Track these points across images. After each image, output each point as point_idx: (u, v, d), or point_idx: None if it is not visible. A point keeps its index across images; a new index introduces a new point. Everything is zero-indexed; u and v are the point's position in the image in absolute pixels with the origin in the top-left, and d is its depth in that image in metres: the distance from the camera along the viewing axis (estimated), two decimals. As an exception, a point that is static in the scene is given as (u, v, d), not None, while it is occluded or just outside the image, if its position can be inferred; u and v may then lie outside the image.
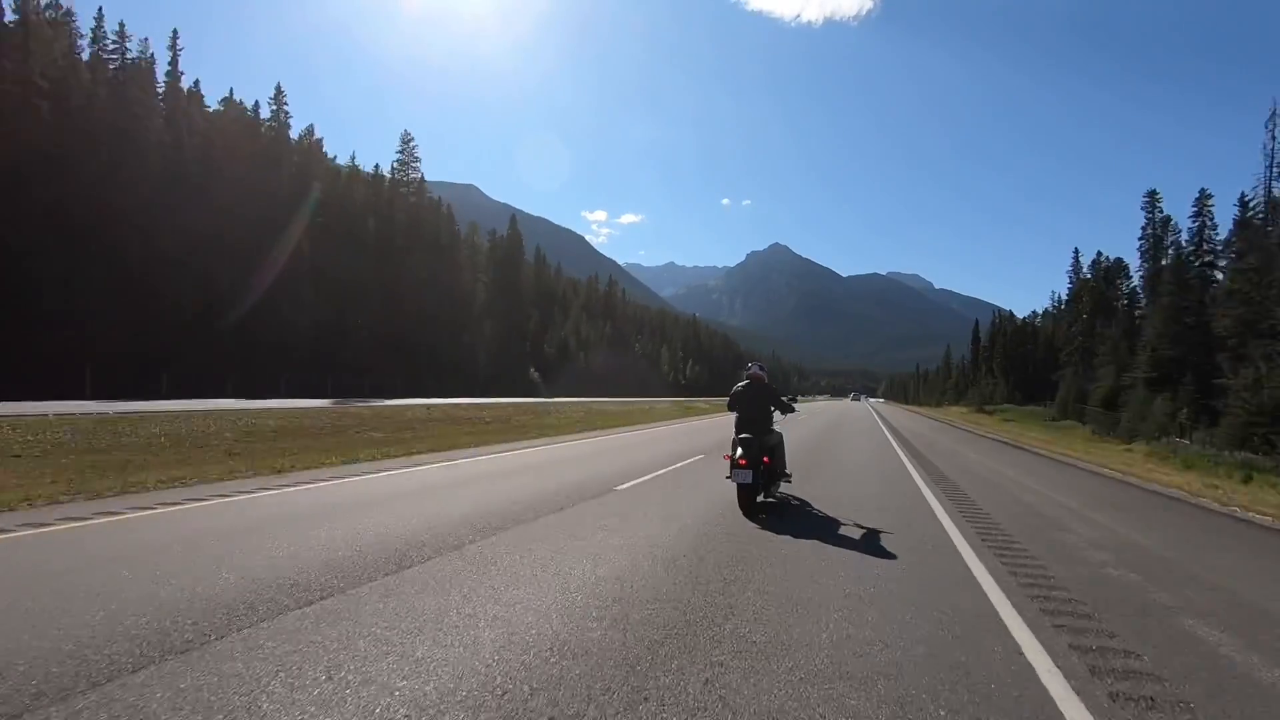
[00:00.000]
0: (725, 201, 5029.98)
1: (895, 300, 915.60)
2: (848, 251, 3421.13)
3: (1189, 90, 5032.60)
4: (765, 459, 7.24)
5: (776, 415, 8.02)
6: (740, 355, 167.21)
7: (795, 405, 8.55)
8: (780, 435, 8.04)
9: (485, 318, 63.08)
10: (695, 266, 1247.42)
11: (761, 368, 8.15)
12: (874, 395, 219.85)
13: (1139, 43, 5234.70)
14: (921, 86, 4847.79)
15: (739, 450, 7.05)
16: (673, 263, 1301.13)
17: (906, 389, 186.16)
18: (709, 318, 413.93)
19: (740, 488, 6.98)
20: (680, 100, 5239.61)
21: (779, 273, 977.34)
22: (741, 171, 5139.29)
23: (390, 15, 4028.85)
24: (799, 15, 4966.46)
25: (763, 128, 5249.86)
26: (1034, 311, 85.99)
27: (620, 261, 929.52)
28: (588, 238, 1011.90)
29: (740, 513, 6.90)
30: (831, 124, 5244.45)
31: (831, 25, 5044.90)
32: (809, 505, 7.75)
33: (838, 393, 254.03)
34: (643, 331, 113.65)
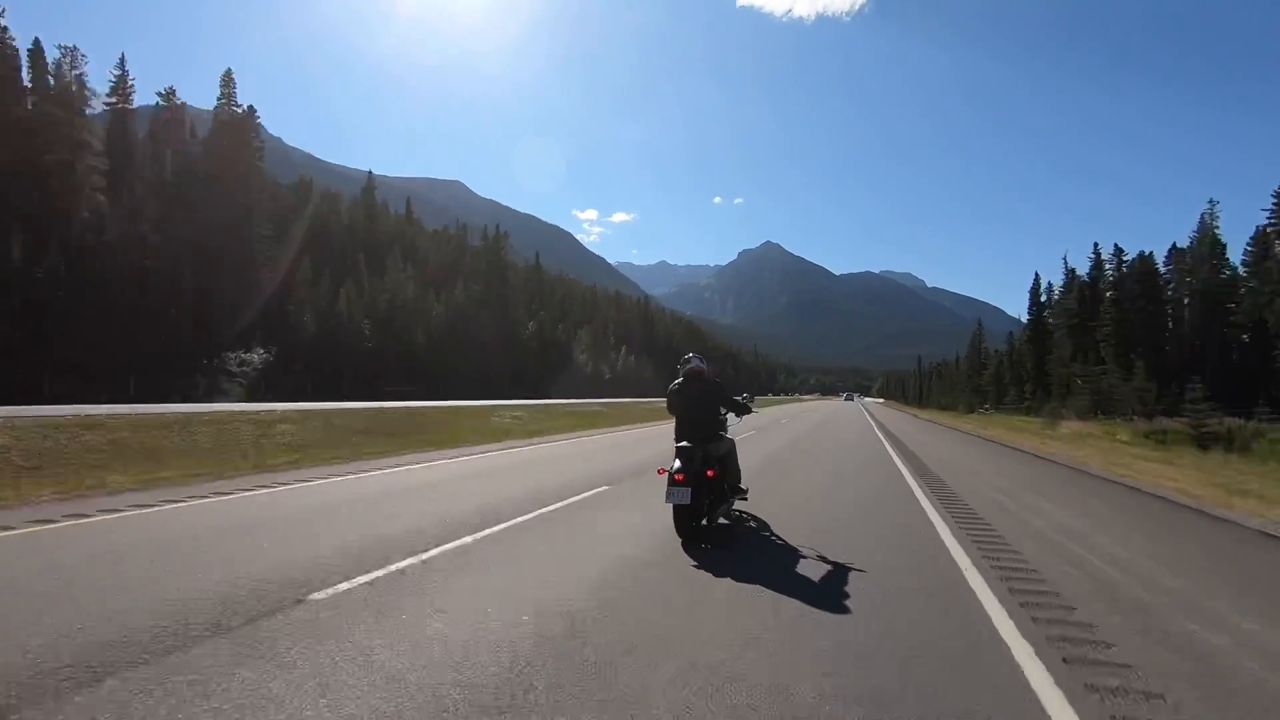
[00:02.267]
0: (717, 199, 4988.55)
1: (888, 298, 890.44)
2: (840, 250, 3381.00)
3: (1181, 91, 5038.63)
4: (710, 472, 5.57)
5: (731, 419, 6.52)
6: (711, 349, 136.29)
7: (752, 406, 6.96)
8: (732, 442, 6.43)
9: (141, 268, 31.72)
10: (687, 265, 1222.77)
11: (701, 359, 6.28)
12: (869, 394, 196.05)
13: (1133, 44, 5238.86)
14: (915, 83, 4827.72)
15: (676, 463, 5.50)
16: (665, 261, 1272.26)
17: (905, 386, 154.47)
18: (701, 316, 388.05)
19: (676, 510, 5.38)
20: (671, 98, 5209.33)
21: (771, 271, 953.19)
22: (733, 169, 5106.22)
23: (380, 15, 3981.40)
24: (790, 10, 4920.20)
25: (754, 125, 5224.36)
26: (1141, 252, 51.45)
27: (611, 260, 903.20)
28: (578, 236, 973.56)
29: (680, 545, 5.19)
30: (823, 121, 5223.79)
31: (824, 20, 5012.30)
32: (769, 528, 6.07)
33: (829, 391, 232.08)
34: (544, 306, 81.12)
